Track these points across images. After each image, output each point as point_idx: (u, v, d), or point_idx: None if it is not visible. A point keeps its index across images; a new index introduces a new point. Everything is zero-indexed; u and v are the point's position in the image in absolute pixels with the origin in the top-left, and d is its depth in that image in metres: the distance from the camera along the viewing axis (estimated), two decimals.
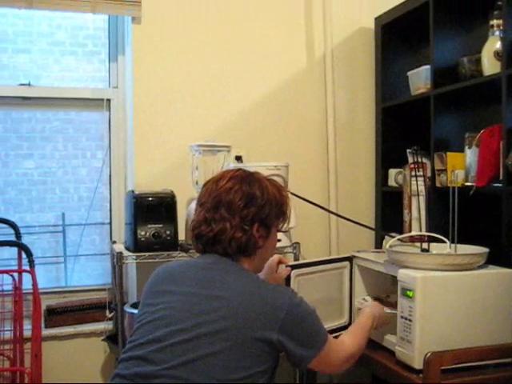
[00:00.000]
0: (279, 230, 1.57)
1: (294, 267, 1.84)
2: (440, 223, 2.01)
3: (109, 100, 2.64)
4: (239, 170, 1.55)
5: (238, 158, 2.53)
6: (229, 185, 1.47)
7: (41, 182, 2.65)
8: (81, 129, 2.69)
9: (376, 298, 2.01)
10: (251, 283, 1.41)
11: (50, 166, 2.65)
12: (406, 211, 2.19)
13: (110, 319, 2.53)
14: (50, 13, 2.57)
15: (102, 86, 2.69)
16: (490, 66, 2.05)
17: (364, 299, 2.03)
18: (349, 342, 1.55)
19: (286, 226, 1.59)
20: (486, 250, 1.74)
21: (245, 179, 1.49)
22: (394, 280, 1.84)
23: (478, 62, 2.11)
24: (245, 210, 1.45)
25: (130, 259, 2.19)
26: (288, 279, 1.81)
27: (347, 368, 1.54)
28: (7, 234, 2.46)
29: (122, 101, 2.65)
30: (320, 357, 1.41)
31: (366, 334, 1.64)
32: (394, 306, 1.83)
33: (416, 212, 2.12)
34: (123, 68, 2.66)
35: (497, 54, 2.02)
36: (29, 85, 2.53)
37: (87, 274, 2.74)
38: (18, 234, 2.46)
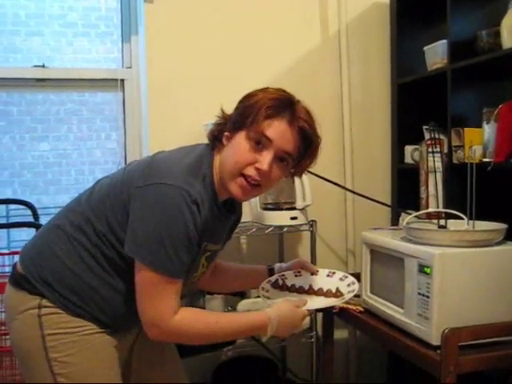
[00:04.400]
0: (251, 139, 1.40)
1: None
2: (457, 200, 1.99)
3: (122, 80, 2.63)
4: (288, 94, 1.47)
5: None
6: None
7: (56, 163, 2.66)
8: (95, 110, 2.69)
9: (275, 283, 1.71)
10: (170, 154, 1.47)
11: (64, 147, 2.67)
12: (422, 188, 2.18)
13: None
14: None
15: (115, 67, 2.68)
16: (509, 38, 2.00)
17: (263, 289, 1.68)
18: (187, 316, 1.36)
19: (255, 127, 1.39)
20: (504, 226, 1.72)
21: (276, 89, 1.45)
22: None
23: (497, 34, 2.06)
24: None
25: None
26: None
27: (153, 333, 1.36)
28: (25, 215, 2.49)
29: (136, 81, 2.64)
30: (139, 275, 1.34)
31: (225, 332, 1.43)
32: (290, 289, 1.67)
33: (433, 189, 2.10)
34: (136, 48, 2.64)
35: None
36: (43, 67, 2.53)
37: None
38: (35, 215, 2.49)
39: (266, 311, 1.47)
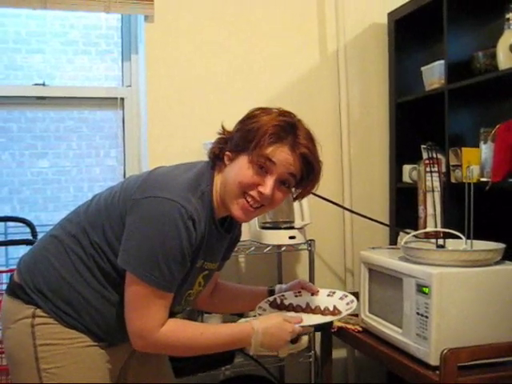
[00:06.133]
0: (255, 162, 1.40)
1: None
2: (455, 219, 2.00)
3: (122, 99, 2.64)
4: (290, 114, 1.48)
5: None
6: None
7: (55, 180, 2.67)
8: (95, 128, 2.70)
9: (272, 302, 1.70)
10: (170, 169, 1.47)
11: (64, 164, 2.67)
12: (420, 207, 2.18)
13: None
14: (63, 13, 2.58)
15: (115, 85, 2.70)
16: (505, 59, 2.03)
17: (261, 308, 1.67)
18: (172, 328, 1.37)
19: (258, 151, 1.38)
20: (502, 245, 1.73)
21: (279, 113, 1.44)
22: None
23: (493, 56, 2.09)
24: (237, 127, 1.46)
25: None
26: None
27: (139, 344, 1.37)
28: (23, 232, 2.49)
29: (136, 99, 2.65)
30: (130, 286, 1.34)
31: (211, 343, 1.43)
32: (288, 308, 1.66)
33: (431, 208, 2.11)
34: (136, 66, 2.66)
35: None
36: (43, 85, 2.55)
37: None
38: (34, 233, 2.48)
39: (251, 322, 1.46)
